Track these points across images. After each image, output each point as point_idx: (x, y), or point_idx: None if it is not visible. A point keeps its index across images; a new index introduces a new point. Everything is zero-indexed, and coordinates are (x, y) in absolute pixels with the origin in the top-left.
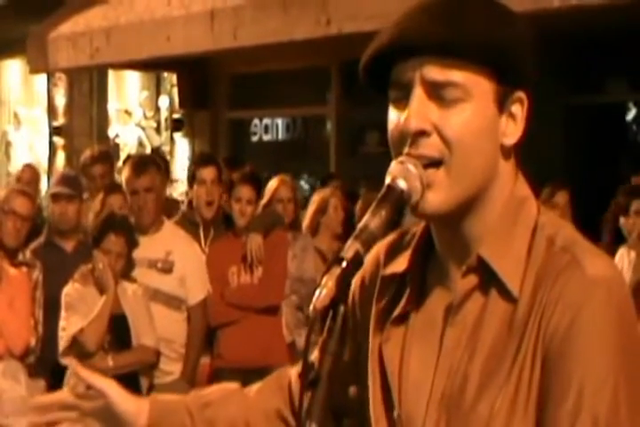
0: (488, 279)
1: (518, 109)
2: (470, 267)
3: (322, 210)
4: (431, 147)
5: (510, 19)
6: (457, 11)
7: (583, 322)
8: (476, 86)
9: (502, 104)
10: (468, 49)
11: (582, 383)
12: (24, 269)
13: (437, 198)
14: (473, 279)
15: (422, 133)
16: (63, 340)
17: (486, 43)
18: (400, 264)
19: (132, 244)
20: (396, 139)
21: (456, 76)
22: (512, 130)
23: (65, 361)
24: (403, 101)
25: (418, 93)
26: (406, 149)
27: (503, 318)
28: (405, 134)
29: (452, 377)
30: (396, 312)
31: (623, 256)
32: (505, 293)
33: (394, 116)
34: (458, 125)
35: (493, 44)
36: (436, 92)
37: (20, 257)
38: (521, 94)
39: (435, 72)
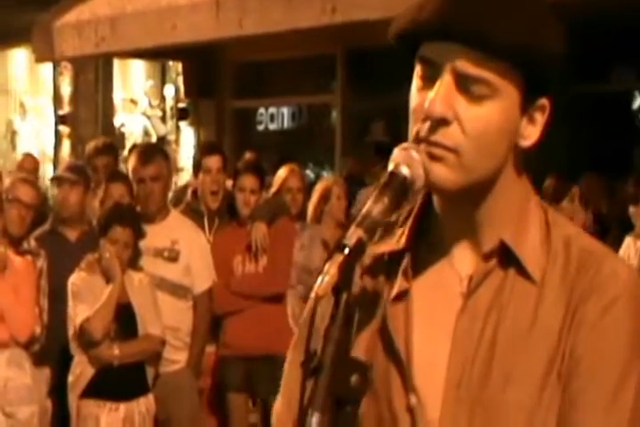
0: (506, 264)
1: (539, 115)
2: (492, 251)
3: (325, 199)
4: (449, 136)
5: (551, 23)
6: (505, 4)
7: (618, 315)
8: (505, 87)
9: (525, 108)
10: (509, 51)
11: (613, 377)
12: (29, 257)
13: (447, 173)
14: (491, 264)
15: (443, 121)
16: (71, 330)
17: (526, 48)
18: (395, 242)
19: (139, 234)
20: (418, 117)
21: (489, 73)
22: (530, 133)
23: (76, 352)
24: (430, 80)
25: (447, 81)
26: (424, 132)
27: (522, 302)
28: (427, 117)
29: (470, 363)
30: (396, 290)
31: (630, 245)
32: (525, 278)
33: (419, 92)
34: (480, 121)
35: (533, 50)
36: (465, 84)
37: (25, 245)
38: (544, 101)
39: (469, 65)
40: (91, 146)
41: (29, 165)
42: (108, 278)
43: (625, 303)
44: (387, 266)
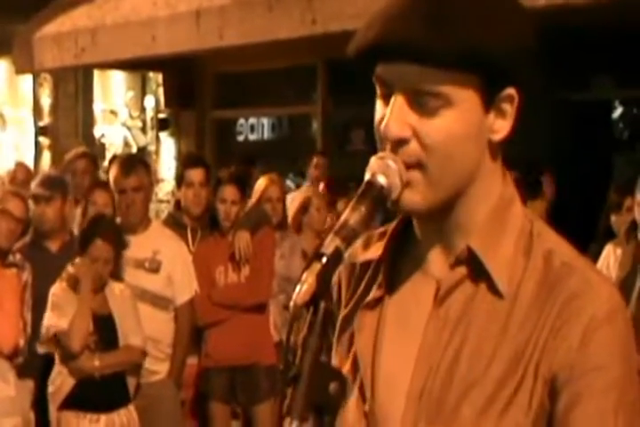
0: (477, 274)
1: (508, 106)
2: (459, 259)
3: (303, 209)
4: (409, 154)
5: (501, 13)
6: (442, 10)
7: (604, 337)
8: (460, 93)
9: (490, 103)
10: (452, 58)
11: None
12: (14, 270)
13: (415, 197)
14: (461, 272)
15: (401, 140)
16: (43, 333)
17: (471, 49)
18: (375, 251)
19: (121, 246)
20: (379, 137)
21: (438, 85)
22: (500, 126)
23: (41, 350)
24: (388, 99)
25: (399, 100)
26: (387, 152)
27: (492, 315)
28: (385, 139)
29: (433, 374)
30: (368, 298)
31: (610, 253)
32: (493, 289)
33: (380, 112)
34: (437, 133)
35: (479, 49)
36: (417, 99)
37: (10, 258)
38: (511, 91)
39: (415, 81)
40: (70, 153)
41: (22, 175)
42: (77, 288)
43: (607, 323)
44: (371, 274)
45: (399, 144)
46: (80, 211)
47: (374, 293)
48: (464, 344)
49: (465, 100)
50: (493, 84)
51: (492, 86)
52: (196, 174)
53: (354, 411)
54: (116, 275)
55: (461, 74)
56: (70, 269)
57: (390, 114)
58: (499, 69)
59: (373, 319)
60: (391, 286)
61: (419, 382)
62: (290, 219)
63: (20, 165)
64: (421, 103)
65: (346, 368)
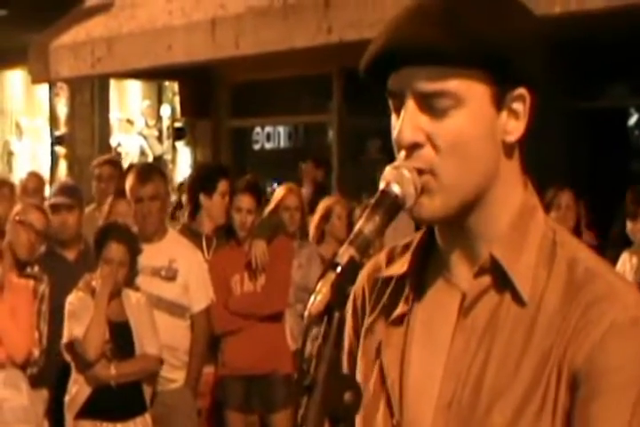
0: (501, 283)
1: (520, 106)
2: (483, 268)
3: (326, 218)
4: (422, 159)
5: (507, 12)
6: (445, 12)
7: (627, 340)
8: (469, 91)
9: (501, 103)
10: (456, 56)
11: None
12: (31, 281)
13: (432, 204)
14: (485, 281)
15: (415, 145)
16: (63, 348)
17: (475, 46)
18: (400, 266)
19: (135, 251)
20: (396, 148)
21: (445, 85)
22: (513, 127)
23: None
24: (400, 110)
25: (409, 105)
26: (401, 160)
27: (517, 324)
28: (400, 147)
29: (462, 383)
30: (395, 313)
31: (625, 261)
32: (517, 298)
33: (394, 123)
34: (450, 134)
35: (483, 46)
36: (427, 102)
37: (29, 270)
38: (522, 91)
39: (423, 83)
40: (97, 159)
41: (33, 184)
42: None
43: (630, 327)
44: (394, 288)
45: (413, 149)
46: (104, 217)
47: (401, 308)
48: (491, 353)
49: (474, 98)
50: (502, 81)
51: (502, 84)
52: (224, 185)
53: (382, 425)
54: (132, 283)
55: (468, 71)
56: (87, 277)
57: (402, 120)
58: (505, 63)
59: (400, 334)
60: (418, 300)
61: (447, 391)
62: (312, 228)
63: (32, 175)
64: (431, 105)
65: (372, 381)
